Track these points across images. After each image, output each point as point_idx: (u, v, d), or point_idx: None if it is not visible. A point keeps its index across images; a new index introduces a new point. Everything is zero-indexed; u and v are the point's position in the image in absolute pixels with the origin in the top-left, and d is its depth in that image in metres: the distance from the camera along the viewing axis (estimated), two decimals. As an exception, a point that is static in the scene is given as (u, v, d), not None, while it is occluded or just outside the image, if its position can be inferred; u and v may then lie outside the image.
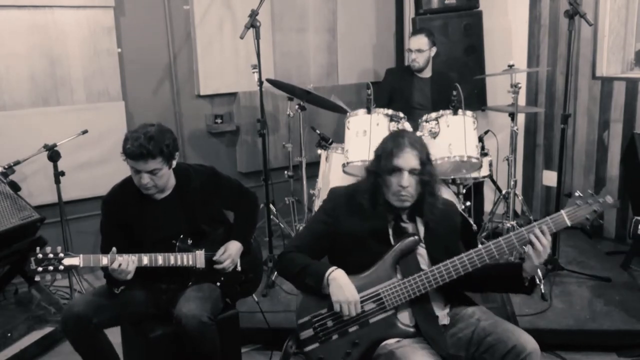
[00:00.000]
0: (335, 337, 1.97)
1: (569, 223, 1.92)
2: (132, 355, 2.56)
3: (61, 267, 2.12)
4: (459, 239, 2.15)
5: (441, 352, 1.91)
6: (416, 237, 2.02)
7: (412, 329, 1.96)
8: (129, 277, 2.20)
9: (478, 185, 3.98)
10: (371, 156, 3.03)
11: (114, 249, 2.19)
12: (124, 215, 2.35)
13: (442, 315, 2.05)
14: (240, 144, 4.52)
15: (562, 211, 1.93)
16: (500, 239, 1.92)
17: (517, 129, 3.60)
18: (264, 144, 3.50)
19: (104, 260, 2.17)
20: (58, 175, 3.32)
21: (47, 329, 3.07)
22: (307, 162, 3.83)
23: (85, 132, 3.50)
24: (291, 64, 4.65)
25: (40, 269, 2.10)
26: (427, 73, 4.01)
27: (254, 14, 3.26)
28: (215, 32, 4.22)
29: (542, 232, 1.89)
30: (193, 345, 2.22)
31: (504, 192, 3.82)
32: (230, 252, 2.47)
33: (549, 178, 4.46)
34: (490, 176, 3.91)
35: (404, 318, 1.98)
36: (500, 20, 4.63)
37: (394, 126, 3.16)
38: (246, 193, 2.66)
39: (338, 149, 3.52)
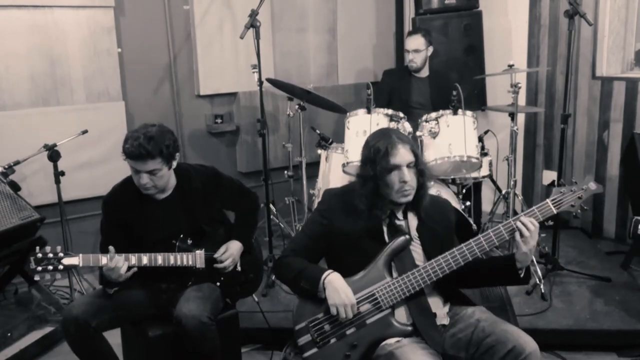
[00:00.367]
0: (333, 340, 1.97)
1: (554, 211, 1.94)
2: (132, 355, 2.56)
3: (61, 267, 2.12)
4: (455, 236, 2.15)
5: (436, 348, 1.91)
6: (407, 236, 2.02)
7: (409, 328, 1.96)
8: (121, 279, 2.19)
9: (478, 185, 3.98)
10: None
11: (111, 247, 2.19)
12: (124, 215, 2.35)
13: (442, 315, 2.05)
14: (240, 144, 4.52)
15: (548, 200, 1.95)
16: (489, 230, 1.94)
17: (517, 129, 3.60)
18: (264, 144, 3.50)
19: (104, 260, 2.18)
20: (58, 175, 3.32)
21: (47, 329, 3.07)
22: (307, 162, 3.83)
23: (85, 132, 3.50)
24: (291, 64, 4.65)
25: (39, 268, 2.10)
26: (425, 73, 4.01)
27: (254, 14, 3.26)
28: (215, 32, 4.22)
29: (531, 220, 1.90)
30: (193, 346, 2.22)
31: (503, 192, 3.82)
32: (231, 252, 2.47)
33: (549, 178, 4.46)
34: (490, 176, 3.91)
35: (401, 316, 1.98)
36: (500, 20, 4.63)
37: (394, 126, 3.16)
38: (247, 193, 2.66)
39: (338, 149, 3.53)
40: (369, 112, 3.17)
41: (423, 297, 2.00)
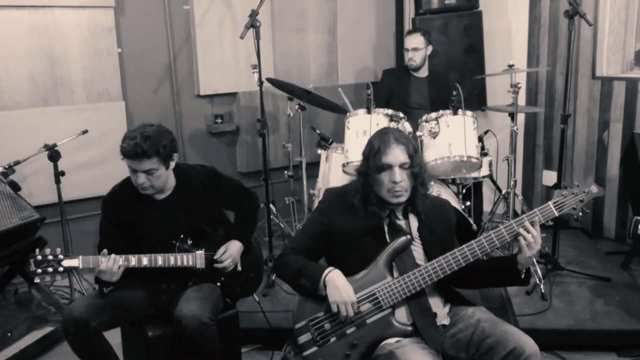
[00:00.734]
0: (333, 339, 1.97)
1: (556, 213, 1.94)
2: (132, 355, 2.57)
3: (60, 269, 2.12)
4: (455, 236, 2.15)
5: (436, 348, 1.91)
6: (408, 236, 2.02)
7: (409, 328, 1.96)
8: (114, 278, 2.19)
9: (478, 185, 3.98)
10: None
11: (104, 250, 2.19)
12: (123, 216, 2.35)
13: (442, 315, 2.05)
14: (240, 144, 4.52)
15: (550, 202, 1.96)
16: (491, 232, 1.94)
17: (517, 129, 3.60)
18: (264, 144, 3.50)
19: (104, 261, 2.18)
20: (58, 175, 3.32)
21: (47, 329, 3.07)
22: (307, 162, 3.83)
23: (85, 132, 3.50)
24: (291, 64, 4.65)
25: (39, 270, 2.10)
26: (424, 72, 4.02)
27: (254, 14, 3.26)
28: (215, 32, 4.22)
29: (532, 223, 1.91)
30: (193, 346, 2.22)
31: (503, 192, 3.82)
32: (231, 252, 2.47)
33: (549, 178, 4.46)
34: (490, 176, 3.91)
35: (401, 316, 1.98)
36: (500, 20, 4.63)
37: (394, 126, 3.16)
38: (247, 193, 2.66)
39: (338, 149, 3.53)
40: (369, 112, 3.17)
41: (424, 297, 2.00)
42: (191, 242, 2.41)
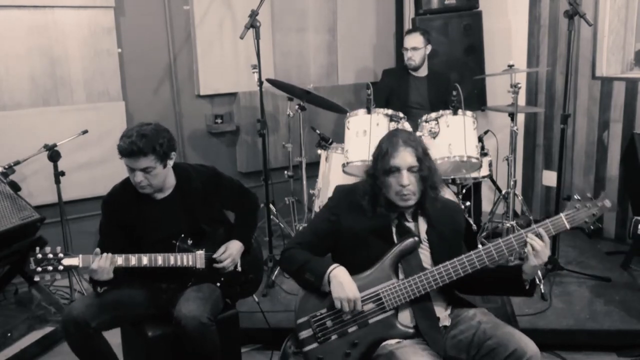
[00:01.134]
0: (334, 337, 1.96)
1: (568, 226, 1.94)
2: (132, 355, 2.57)
3: (60, 268, 2.12)
4: (463, 240, 2.14)
5: (438, 351, 1.91)
6: (416, 238, 2.00)
7: (411, 330, 1.96)
8: (106, 276, 2.18)
9: (478, 185, 3.98)
10: (371, 157, 3.08)
11: (97, 249, 2.19)
12: (123, 215, 2.35)
13: (444, 316, 2.05)
14: (240, 144, 4.52)
15: (562, 214, 1.95)
16: (499, 240, 1.93)
17: (516, 129, 3.60)
18: (264, 144, 3.51)
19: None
20: (58, 175, 3.32)
21: (47, 329, 3.07)
22: (307, 162, 3.83)
23: (85, 132, 3.50)
24: (291, 64, 4.65)
25: (39, 269, 2.10)
26: (423, 72, 4.02)
27: (254, 14, 3.26)
28: (215, 32, 4.22)
29: (541, 234, 1.90)
30: (193, 346, 2.22)
31: (503, 192, 3.82)
32: (231, 252, 2.47)
33: (549, 178, 4.46)
34: (490, 176, 3.91)
35: (405, 319, 1.98)
36: (500, 20, 4.63)
37: (394, 126, 3.16)
38: (247, 193, 2.66)
39: (338, 149, 3.53)
40: (369, 112, 3.17)
41: (428, 301, 1.99)
42: (191, 242, 2.41)
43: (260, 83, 3.44)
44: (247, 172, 4.51)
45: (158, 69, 4.12)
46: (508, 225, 3.66)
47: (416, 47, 3.90)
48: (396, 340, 1.94)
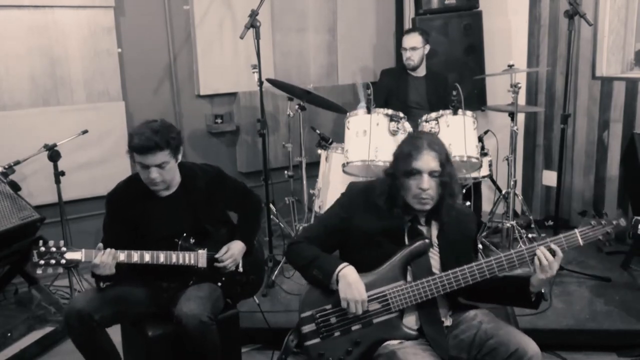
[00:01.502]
0: (337, 334, 1.96)
1: (581, 243, 1.93)
2: (133, 354, 2.57)
3: (63, 261, 2.12)
4: (473, 247, 2.13)
5: (442, 355, 1.91)
6: (427, 240, 1.99)
7: (414, 332, 1.96)
8: (108, 271, 2.18)
9: (478, 185, 3.98)
10: (371, 156, 3.08)
11: (99, 244, 2.19)
12: (127, 212, 2.36)
13: (445, 317, 2.05)
14: (240, 144, 4.52)
15: (576, 230, 1.94)
16: (511, 251, 1.92)
17: (517, 129, 3.60)
18: (264, 144, 3.51)
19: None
20: (58, 175, 3.32)
21: (47, 329, 3.07)
22: (307, 162, 3.83)
23: (85, 132, 3.50)
24: (291, 64, 4.65)
25: (42, 262, 2.10)
26: (422, 72, 4.02)
27: (254, 14, 3.26)
28: (215, 32, 4.22)
29: (554, 250, 1.89)
30: (193, 345, 2.22)
31: (503, 192, 3.82)
32: (233, 252, 2.47)
33: (549, 178, 4.46)
34: (490, 176, 3.91)
35: (410, 322, 1.97)
36: (500, 20, 4.63)
37: (393, 126, 3.16)
38: (250, 195, 2.66)
39: (338, 149, 3.53)
40: (369, 112, 3.18)
41: (434, 305, 1.99)
42: (194, 241, 2.41)
43: (260, 83, 3.44)
44: (247, 172, 4.51)
45: (158, 69, 4.12)
46: (508, 225, 3.66)
47: (415, 47, 3.90)
48: (398, 340, 1.94)
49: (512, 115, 3.57)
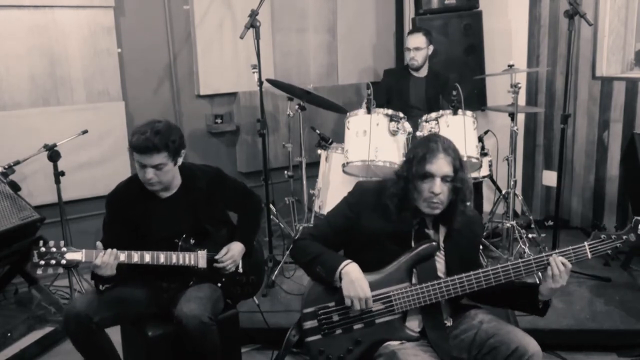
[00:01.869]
0: (338, 332, 1.96)
1: (589, 256, 1.92)
2: (132, 354, 2.56)
3: (63, 261, 2.12)
4: (478, 251, 2.12)
5: (444, 357, 1.91)
6: (435, 243, 1.98)
7: (416, 334, 1.95)
8: (109, 272, 2.18)
9: (478, 185, 3.98)
10: (371, 156, 3.08)
11: (99, 244, 2.19)
12: (128, 213, 2.36)
13: (445, 317, 2.05)
14: (240, 144, 4.52)
15: (586, 243, 1.92)
16: (519, 260, 1.91)
17: (517, 129, 3.60)
18: (264, 144, 3.51)
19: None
20: (58, 175, 3.31)
21: (47, 329, 3.07)
22: (307, 162, 3.83)
23: (85, 132, 3.50)
24: (291, 64, 4.65)
25: (42, 262, 2.10)
26: (424, 72, 4.02)
27: (254, 14, 3.26)
28: (215, 32, 4.22)
29: (563, 262, 1.87)
30: (193, 345, 2.22)
31: (503, 192, 3.82)
32: (233, 253, 2.47)
33: (549, 178, 4.46)
34: (490, 176, 3.91)
35: (412, 324, 1.97)
36: (500, 20, 4.63)
37: (393, 126, 3.16)
38: (251, 195, 2.66)
39: (338, 149, 3.53)
40: (369, 112, 3.17)
41: (437, 309, 1.98)
42: (194, 241, 2.41)
43: (260, 83, 3.44)
44: (247, 172, 4.51)
45: (158, 69, 4.12)
46: (508, 225, 3.66)
47: (419, 47, 3.90)
48: (399, 341, 1.94)
49: (512, 116, 3.57)
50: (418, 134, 3.24)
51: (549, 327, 2.88)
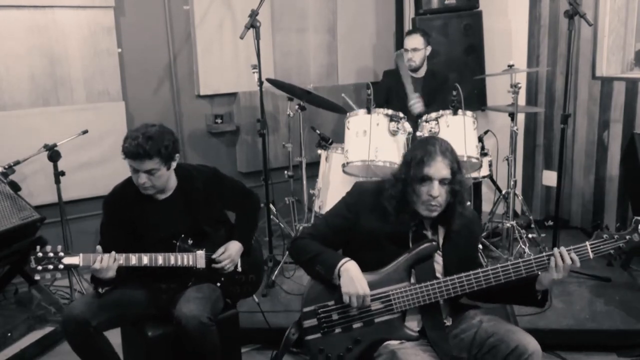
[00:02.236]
0: (338, 330, 1.96)
1: (591, 255, 1.92)
2: (132, 355, 2.56)
3: (61, 266, 2.12)
4: (477, 250, 2.12)
5: (444, 357, 1.91)
6: (434, 243, 1.98)
7: (415, 334, 1.96)
8: (109, 274, 2.18)
9: (478, 185, 3.98)
10: (371, 156, 3.08)
11: (98, 247, 2.19)
12: (125, 215, 2.35)
13: (445, 316, 2.05)
14: (240, 144, 4.52)
15: (587, 242, 1.93)
16: (519, 260, 1.91)
17: (517, 129, 3.60)
18: (264, 144, 3.51)
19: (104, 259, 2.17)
20: (58, 175, 3.31)
21: (47, 329, 3.07)
22: (307, 162, 3.83)
23: (85, 132, 3.50)
24: (291, 64, 4.65)
25: (40, 267, 2.10)
26: (422, 72, 4.01)
27: (254, 14, 3.26)
28: (215, 32, 4.22)
29: (572, 258, 1.88)
30: (193, 346, 2.22)
31: (503, 192, 3.82)
32: (230, 252, 2.47)
33: (549, 178, 4.46)
34: (490, 176, 3.91)
35: (412, 324, 1.98)
36: (500, 20, 4.63)
37: (393, 126, 3.16)
38: (248, 194, 2.66)
39: (338, 149, 3.53)
40: (369, 112, 3.17)
41: (436, 309, 1.99)
42: (192, 242, 2.41)
43: (260, 83, 3.45)
44: (247, 172, 4.51)
45: (158, 69, 4.12)
46: (508, 225, 3.66)
47: (416, 48, 3.89)
48: (398, 340, 1.94)
49: (512, 116, 3.57)
50: (418, 134, 3.24)
51: (549, 327, 2.88)
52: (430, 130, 3.21)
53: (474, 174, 3.58)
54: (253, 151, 4.47)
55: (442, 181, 1.93)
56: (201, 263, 2.40)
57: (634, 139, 3.79)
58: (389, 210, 1.99)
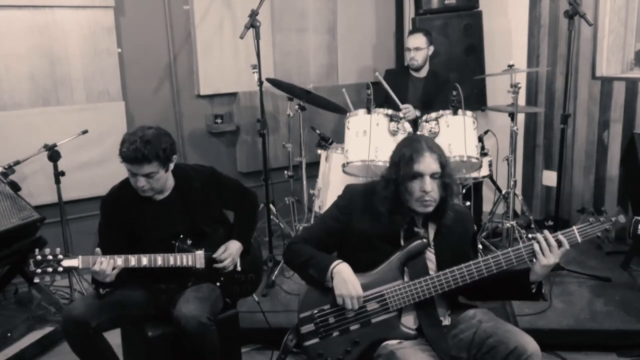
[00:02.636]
0: (336, 334, 1.96)
1: (579, 239, 1.93)
2: (132, 355, 2.56)
3: (60, 269, 2.11)
4: (470, 246, 2.13)
5: (443, 356, 1.91)
6: (424, 240, 1.99)
7: (413, 332, 1.96)
8: (109, 279, 2.18)
9: (478, 185, 3.98)
10: (371, 156, 3.09)
11: (97, 249, 2.18)
12: (123, 216, 2.35)
13: (444, 316, 2.05)
14: (240, 144, 4.52)
15: (574, 227, 1.93)
16: (509, 249, 1.92)
17: (517, 129, 3.60)
18: (264, 144, 3.51)
19: (103, 261, 2.17)
20: (58, 175, 3.32)
21: (47, 329, 3.07)
22: (307, 162, 3.83)
23: (85, 132, 3.50)
24: (291, 64, 4.65)
25: (39, 270, 2.09)
26: (424, 72, 4.01)
27: (254, 14, 3.26)
28: (215, 32, 4.22)
29: (560, 240, 1.89)
30: (193, 346, 2.22)
31: (503, 192, 3.82)
32: (231, 252, 2.47)
33: (549, 178, 4.46)
34: (490, 176, 3.91)
35: (408, 321, 1.98)
36: (500, 20, 4.63)
37: (393, 126, 3.16)
38: (246, 193, 2.66)
39: (338, 149, 3.53)
40: (369, 112, 3.18)
41: (432, 305, 1.99)
42: (191, 242, 2.41)
43: (260, 83, 3.45)
44: (247, 172, 4.51)
45: (158, 69, 4.12)
46: (508, 225, 3.66)
47: (419, 48, 3.89)
48: (397, 340, 1.94)
49: (512, 116, 3.57)
50: (418, 134, 3.24)
51: (549, 327, 2.88)
52: (430, 130, 3.21)
53: (474, 174, 3.58)
54: (253, 151, 4.48)
55: (433, 176, 1.95)
56: (201, 263, 2.40)
57: (634, 139, 3.79)
58: (382, 211, 2.00)
